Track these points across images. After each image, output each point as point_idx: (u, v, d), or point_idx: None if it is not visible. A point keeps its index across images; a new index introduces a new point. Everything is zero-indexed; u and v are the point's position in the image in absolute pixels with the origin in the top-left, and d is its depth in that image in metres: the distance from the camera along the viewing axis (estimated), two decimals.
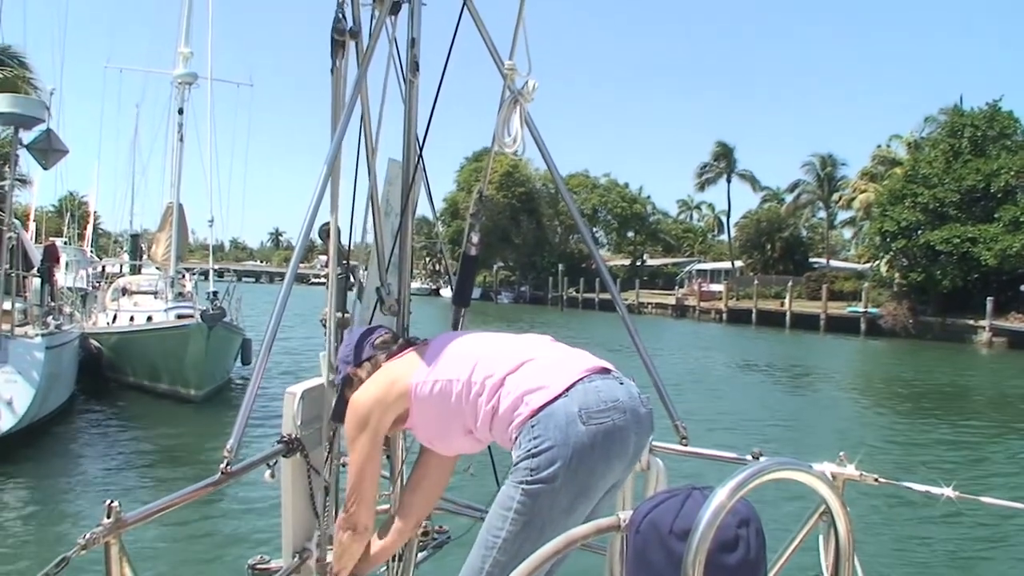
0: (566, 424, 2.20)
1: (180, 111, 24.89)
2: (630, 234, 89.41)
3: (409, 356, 2.57)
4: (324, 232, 2.83)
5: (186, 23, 25.28)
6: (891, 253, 52.14)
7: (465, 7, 2.94)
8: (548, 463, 2.19)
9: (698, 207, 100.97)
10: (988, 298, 44.90)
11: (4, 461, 11.20)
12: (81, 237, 44.45)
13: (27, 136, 15.21)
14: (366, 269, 3.10)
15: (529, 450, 2.21)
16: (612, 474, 2.31)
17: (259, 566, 2.83)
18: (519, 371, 2.35)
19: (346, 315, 3.01)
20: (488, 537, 2.28)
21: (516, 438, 2.27)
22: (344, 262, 2.94)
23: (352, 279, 3.07)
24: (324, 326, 2.95)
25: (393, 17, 2.95)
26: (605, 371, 2.36)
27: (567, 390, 2.26)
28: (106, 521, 1.79)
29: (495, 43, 3.02)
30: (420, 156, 3.01)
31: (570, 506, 2.24)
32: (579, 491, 2.25)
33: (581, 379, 2.30)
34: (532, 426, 2.23)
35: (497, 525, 2.26)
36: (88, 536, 1.74)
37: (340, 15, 2.88)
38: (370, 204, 3.01)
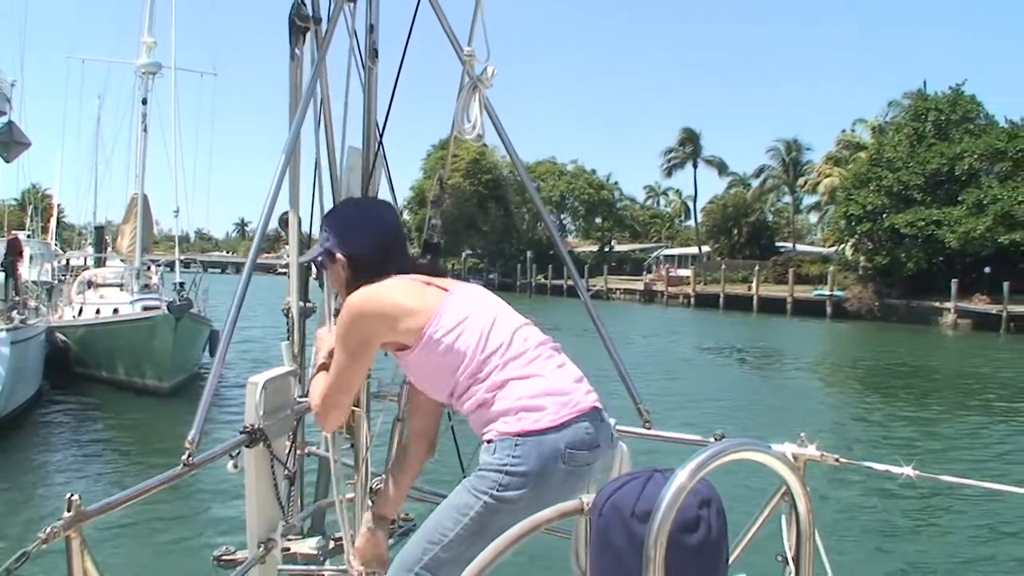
0: (549, 458, 2.21)
1: (144, 101, 24.52)
2: (598, 220, 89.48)
3: (430, 293, 2.44)
4: (284, 221, 2.82)
5: (149, 12, 24.92)
6: (856, 237, 52.65)
7: None
8: (518, 486, 2.19)
9: (665, 193, 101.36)
10: (952, 280, 45.45)
11: None
12: (45, 230, 43.77)
13: None
14: None
15: (504, 465, 2.21)
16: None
17: (224, 557, 2.81)
18: (525, 381, 2.31)
19: (309, 304, 2.99)
20: (435, 532, 2.27)
21: (493, 442, 2.25)
22: (305, 251, 2.92)
23: (314, 268, 3.05)
24: (287, 316, 2.94)
25: (352, 4, 2.94)
26: (596, 410, 2.35)
27: (562, 425, 2.25)
28: (66, 515, 1.77)
29: (454, 29, 3.01)
30: (380, 144, 2.99)
31: (507, 526, 2.26)
32: (518, 520, 2.27)
33: (576, 417, 2.29)
34: (516, 444, 2.22)
35: (447, 525, 2.25)
36: (48, 530, 1.72)
37: (300, 1, 2.86)
38: (331, 193, 3.00)
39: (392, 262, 2.51)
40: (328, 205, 3.02)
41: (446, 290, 2.45)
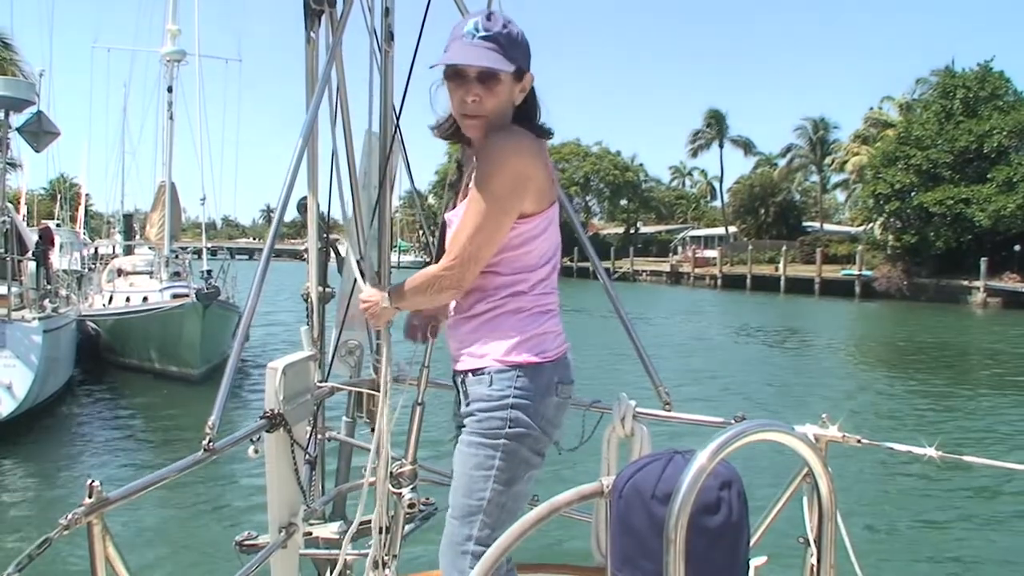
0: (544, 389, 2.29)
1: (169, 89, 24.63)
2: (623, 202, 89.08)
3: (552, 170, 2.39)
4: (302, 206, 2.81)
5: (173, 0, 25.00)
6: (884, 215, 52.15)
7: None
8: (522, 422, 2.25)
9: (690, 173, 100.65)
10: (982, 259, 44.89)
11: (4, 445, 11.22)
12: (73, 219, 44.25)
13: (17, 119, 15.10)
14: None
15: (504, 398, 2.25)
16: (555, 435, 2.40)
17: (246, 542, 2.83)
18: (553, 312, 2.40)
19: (328, 289, 3.00)
20: (470, 502, 2.28)
21: (489, 372, 2.29)
22: (324, 236, 2.93)
23: (334, 253, 3.06)
24: (306, 301, 2.94)
25: None
26: (567, 350, 2.44)
27: (557, 359, 2.34)
28: (87, 501, 1.78)
29: (470, 10, 2.99)
30: (397, 127, 2.98)
31: (532, 465, 2.33)
32: (539, 451, 2.33)
33: (565, 351, 2.39)
34: (518, 376, 2.27)
35: (478, 488, 2.27)
36: (70, 516, 1.72)
37: None
38: (349, 177, 3.00)
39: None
40: (346, 190, 3.02)
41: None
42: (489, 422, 2.25)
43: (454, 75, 2.28)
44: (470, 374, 2.32)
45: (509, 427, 2.24)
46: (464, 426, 2.34)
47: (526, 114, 2.35)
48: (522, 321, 2.31)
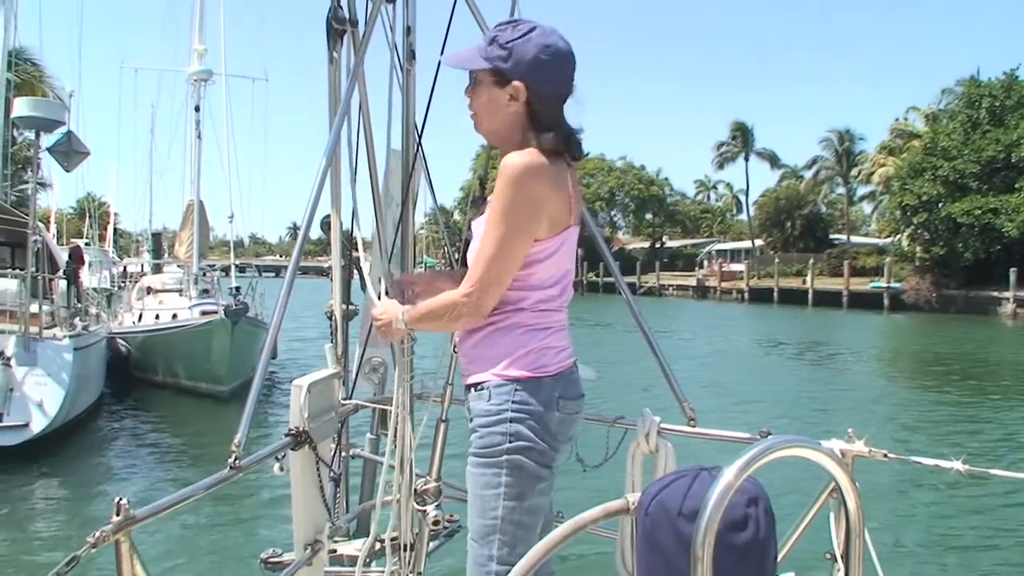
0: (545, 404, 2.27)
1: (197, 108, 24.85)
2: (648, 216, 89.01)
3: (574, 194, 2.35)
4: (325, 224, 2.83)
5: (199, 20, 25.28)
6: (912, 227, 51.75)
7: None
8: (523, 435, 2.23)
9: (715, 187, 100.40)
10: (1011, 269, 44.53)
11: (35, 461, 11.33)
12: (102, 238, 44.75)
13: (48, 139, 15.28)
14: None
15: (503, 412, 2.24)
16: (563, 449, 2.37)
17: (271, 560, 2.84)
18: (554, 329, 2.37)
19: (352, 307, 3.01)
20: (484, 523, 2.28)
21: (488, 387, 2.28)
22: (348, 254, 2.94)
23: (357, 271, 3.07)
24: (330, 318, 2.95)
25: (389, 5, 2.95)
26: (575, 363, 2.43)
27: (558, 374, 2.32)
28: (115, 519, 1.78)
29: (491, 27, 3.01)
30: (419, 145, 3.00)
31: (542, 478, 2.30)
32: (547, 464, 2.30)
33: (568, 367, 2.37)
34: (516, 390, 2.25)
35: (490, 508, 2.26)
36: (98, 534, 1.74)
37: (337, 4, 2.88)
38: (372, 195, 3.01)
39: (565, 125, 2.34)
40: (368, 208, 3.04)
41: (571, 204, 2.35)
42: (490, 438, 2.24)
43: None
44: (472, 389, 2.33)
45: (510, 442, 2.22)
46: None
47: (544, 131, 2.29)
48: (521, 336, 2.30)
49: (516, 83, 2.26)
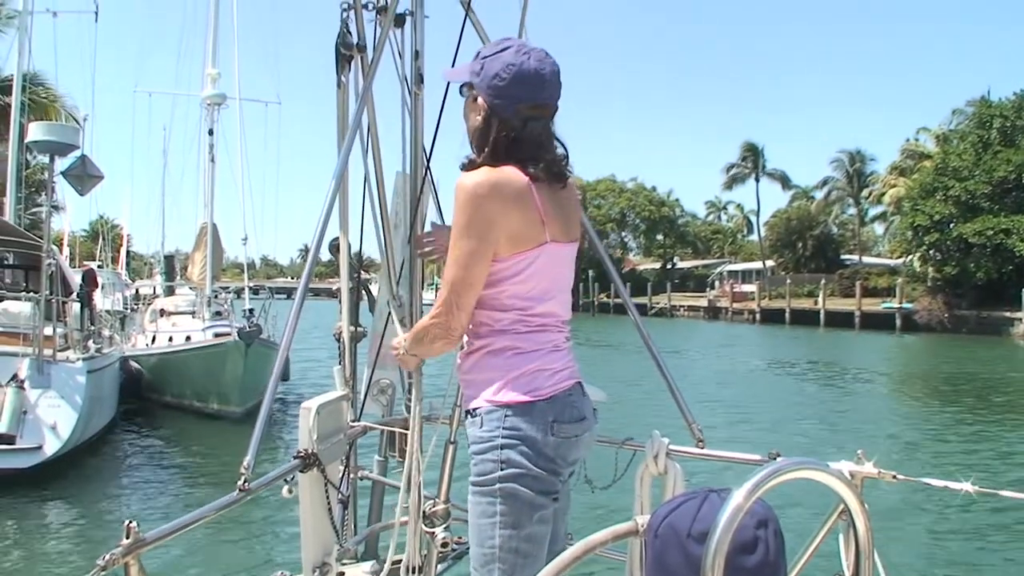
0: (540, 428, 2.22)
1: (210, 132, 24.97)
2: (659, 237, 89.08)
3: (547, 211, 2.27)
4: (334, 247, 2.85)
5: (212, 44, 25.46)
6: (924, 247, 51.58)
7: (468, 17, 2.95)
8: (515, 462, 2.20)
9: (725, 208, 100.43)
10: (1023, 289, 44.21)
11: (48, 484, 11.34)
12: (115, 260, 44.98)
13: (62, 163, 15.38)
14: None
15: (493, 439, 2.21)
16: (565, 474, 2.33)
17: None
18: (547, 350, 2.31)
19: (360, 329, 3.02)
20: (483, 550, 2.26)
21: (480, 413, 2.26)
22: (355, 276, 2.96)
23: (364, 293, 3.08)
24: (338, 340, 2.96)
25: (397, 30, 2.98)
26: (579, 384, 2.38)
27: (551, 397, 2.27)
28: (125, 541, 1.80)
29: None
30: (428, 168, 3.02)
31: (538, 506, 2.26)
32: (545, 491, 2.25)
33: (565, 389, 2.31)
34: (507, 415, 2.22)
35: (487, 536, 2.24)
36: (108, 556, 1.75)
37: (346, 29, 2.91)
38: (380, 218, 3.03)
39: (531, 144, 2.29)
40: (378, 231, 3.05)
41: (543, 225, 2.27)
42: (483, 465, 2.22)
43: None
44: (468, 415, 2.31)
45: (502, 469, 2.19)
46: None
47: (517, 148, 2.26)
48: (511, 359, 2.27)
49: (479, 98, 2.29)
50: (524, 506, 2.21)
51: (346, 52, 2.90)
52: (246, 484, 2.21)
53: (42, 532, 9.78)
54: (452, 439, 2.73)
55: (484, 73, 2.27)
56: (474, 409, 2.27)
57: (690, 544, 1.52)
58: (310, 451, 2.57)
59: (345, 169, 2.78)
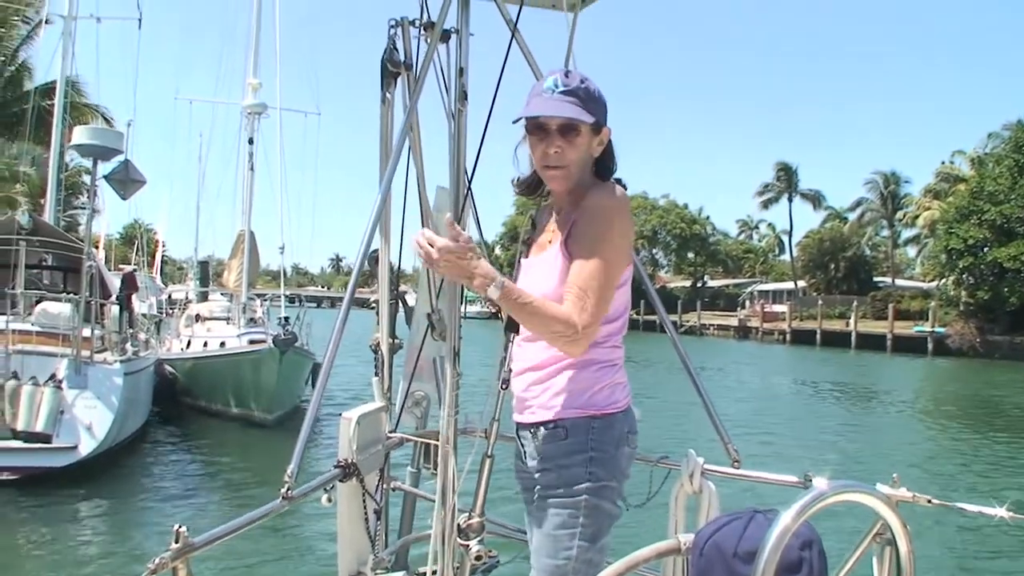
0: (618, 440, 2.28)
1: (251, 141, 25.02)
2: (690, 255, 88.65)
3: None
4: (374, 259, 2.89)
5: (254, 54, 25.65)
6: (957, 271, 51.06)
7: (514, 37, 2.96)
8: (601, 475, 2.23)
9: (757, 227, 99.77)
10: None
11: (83, 484, 11.47)
12: (150, 264, 45.38)
13: (104, 167, 15.57)
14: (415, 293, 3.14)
15: (583, 452, 2.23)
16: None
17: None
18: (620, 365, 2.37)
19: (397, 340, 3.05)
20: (556, 562, 2.24)
21: (563, 426, 2.26)
22: (394, 288, 2.98)
23: (402, 305, 3.11)
24: (374, 352, 3.00)
25: (441, 46, 3.01)
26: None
27: (626, 409, 2.34)
28: (174, 546, 1.84)
29: (543, 70, 3.06)
30: (469, 186, 3.03)
31: (614, 516, 2.31)
32: (618, 500, 2.32)
33: (630, 401, 2.38)
34: (593, 427, 2.25)
35: (564, 547, 2.22)
36: (157, 560, 1.79)
37: (392, 46, 2.95)
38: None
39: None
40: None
41: None
42: (568, 477, 2.22)
43: (536, 129, 2.30)
44: (541, 428, 2.29)
45: (590, 481, 2.21)
46: (535, 482, 2.32)
47: (606, 168, 2.38)
48: (595, 373, 2.29)
49: (606, 129, 2.36)
50: (605, 517, 2.25)
51: (393, 69, 2.93)
52: (289, 492, 2.24)
53: (77, 531, 9.91)
54: (490, 453, 2.75)
55: (604, 105, 2.35)
56: (552, 421, 2.27)
57: (736, 563, 1.55)
58: (350, 461, 2.59)
59: (391, 183, 2.81)
